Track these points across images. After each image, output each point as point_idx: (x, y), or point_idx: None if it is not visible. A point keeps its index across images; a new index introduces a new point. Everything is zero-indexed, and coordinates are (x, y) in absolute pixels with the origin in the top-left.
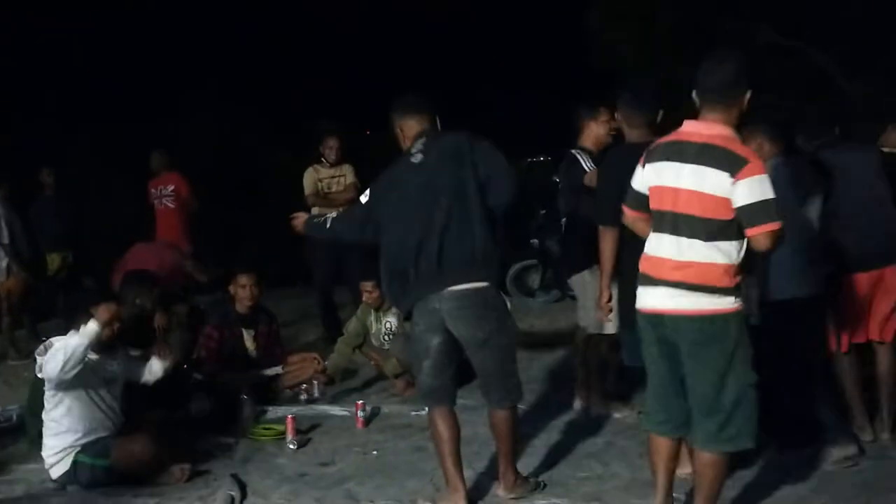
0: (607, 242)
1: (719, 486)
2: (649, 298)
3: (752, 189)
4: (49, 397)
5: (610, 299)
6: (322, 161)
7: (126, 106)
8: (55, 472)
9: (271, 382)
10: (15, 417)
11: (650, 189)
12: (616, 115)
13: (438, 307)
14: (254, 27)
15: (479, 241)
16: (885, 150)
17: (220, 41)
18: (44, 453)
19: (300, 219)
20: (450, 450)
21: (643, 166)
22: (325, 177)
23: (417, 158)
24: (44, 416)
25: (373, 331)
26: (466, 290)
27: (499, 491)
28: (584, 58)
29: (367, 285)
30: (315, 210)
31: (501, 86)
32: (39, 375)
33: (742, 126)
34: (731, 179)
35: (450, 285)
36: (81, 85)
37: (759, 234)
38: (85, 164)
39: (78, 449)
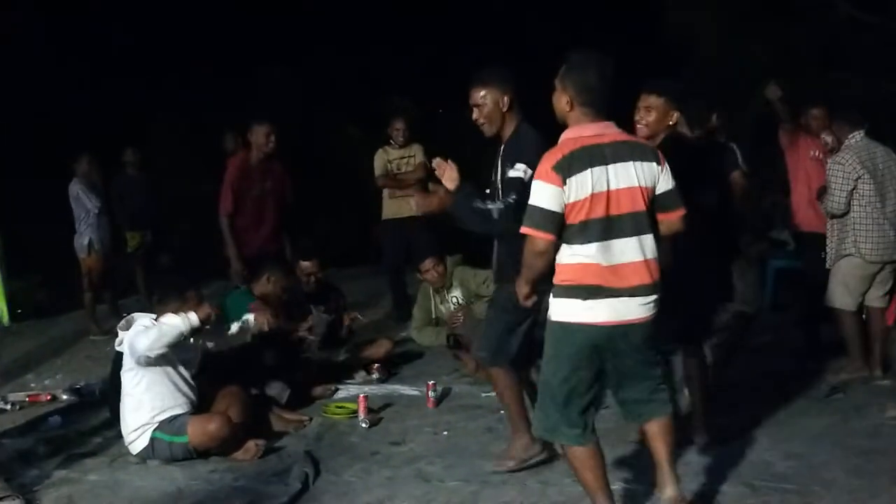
0: None
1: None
2: (605, 309)
3: (669, 174)
4: (128, 374)
5: None
6: (391, 142)
7: (197, 83)
8: (135, 448)
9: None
10: (97, 392)
11: (579, 202)
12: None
13: None
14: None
15: None
16: None
17: (291, 17)
18: (123, 430)
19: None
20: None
21: (560, 184)
22: (395, 157)
23: None
24: (123, 393)
25: (442, 312)
26: None
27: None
28: (654, 36)
29: (427, 263)
30: (385, 192)
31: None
32: (119, 349)
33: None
34: (658, 167)
35: None
36: (157, 63)
37: (682, 215)
38: (162, 143)
39: (155, 426)
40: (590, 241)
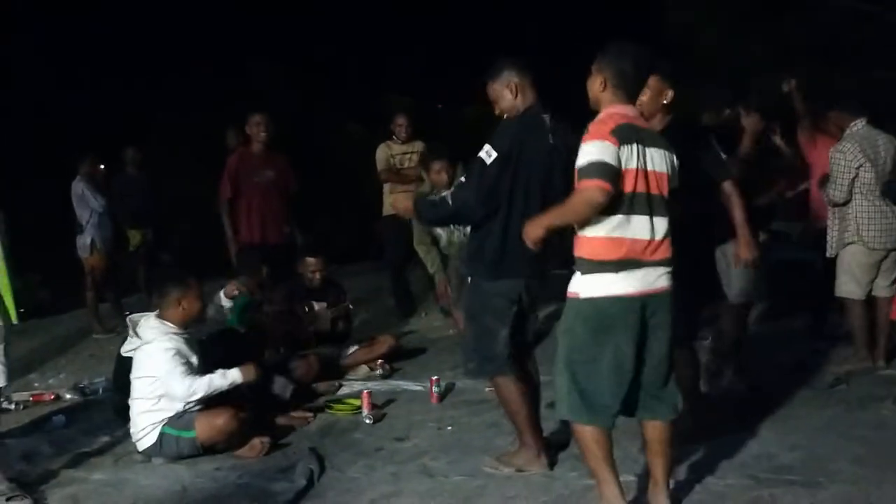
0: None
1: None
2: (637, 281)
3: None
4: (142, 381)
5: None
6: (393, 138)
7: (198, 82)
8: (142, 445)
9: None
10: (101, 390)
11: (625, 171)
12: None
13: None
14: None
15: None
16: None
17: (292, 15)
18: (132, 429)
19: (401, 202)
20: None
21: (618, 146)
22: (398, 153)
23: (551, 139)
24: (134, 396)
25: (442, 241)
26: None
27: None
28: (654, 36)
29: (437, 165)
30: (387, 186)
31: (571, 60)
32: (127, 354)
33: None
34: (676, 162)
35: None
36: (157, 63)
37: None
38: (162, 142)
39: (164, 422)
40: (630, 213)
